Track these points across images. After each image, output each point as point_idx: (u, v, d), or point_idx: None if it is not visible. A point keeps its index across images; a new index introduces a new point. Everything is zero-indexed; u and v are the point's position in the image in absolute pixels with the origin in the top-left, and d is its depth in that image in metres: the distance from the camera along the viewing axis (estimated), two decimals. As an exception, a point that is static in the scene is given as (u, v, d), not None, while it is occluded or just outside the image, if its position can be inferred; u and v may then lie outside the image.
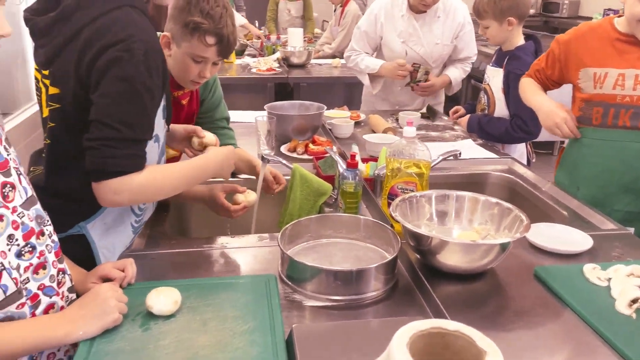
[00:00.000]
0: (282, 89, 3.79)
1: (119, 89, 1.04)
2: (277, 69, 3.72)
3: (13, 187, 0.87)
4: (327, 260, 1.24)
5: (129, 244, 1.30)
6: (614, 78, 1.58)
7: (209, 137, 1.39)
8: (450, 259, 1.16)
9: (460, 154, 1.65)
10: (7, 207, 0.85)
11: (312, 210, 1.61)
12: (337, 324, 0.99)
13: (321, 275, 1.11)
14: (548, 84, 1.81)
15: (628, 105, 1.57)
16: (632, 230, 1.44)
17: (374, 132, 2.22)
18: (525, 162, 2.28)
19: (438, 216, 1.32)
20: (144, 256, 1.26)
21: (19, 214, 0.87)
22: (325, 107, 2.14)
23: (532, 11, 7.99)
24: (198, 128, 1.40)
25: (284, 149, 2.02)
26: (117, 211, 1.21)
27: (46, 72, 1.12)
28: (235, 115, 2.14)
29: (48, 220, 0.96)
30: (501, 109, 2.21)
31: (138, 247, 1.32)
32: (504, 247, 1.14)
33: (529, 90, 1.82)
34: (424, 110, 2.49)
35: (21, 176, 0.92)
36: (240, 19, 4.71)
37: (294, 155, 1.96)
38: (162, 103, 1.18)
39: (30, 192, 0.93)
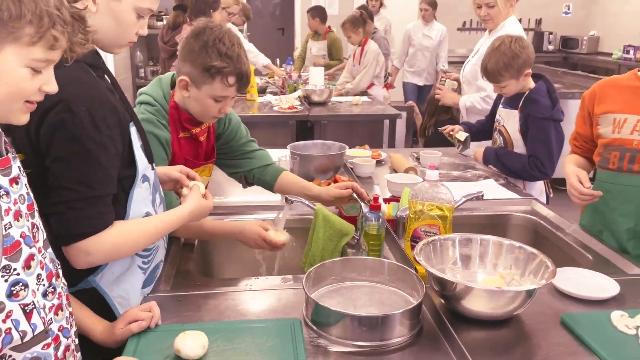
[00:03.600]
0: (303, 126, 3.85)
1: (69, 150, 1.02)
2: (299, 107, 3.79)
3: (38, 228, 0.90)
4: (351, 304, 1.24)
5: (153, 285, 1.31)
6: (632, 124, 1.59)
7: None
8: (475, 304, 1.15)
9: (483, 195, 1.65)
10: (36, 247, 0.87)
11: (334, 251, 1.62)
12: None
13: (346, 321, 1.12)
14: (589, 146, 1.80)
15: None
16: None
17: (395, 171, 2.24)
18: (544, 198, 2.29)
19: (462, 260, 1.32)
20: (171, 298, 1.28)
21: (42, 254, 0.90)
22: (347, 147, 2.17)
23: (550, 47, 8.04)
24: (182, 177, 1.35)
25: (306, 188, 2.04)
26: (123, 259, 1.18)
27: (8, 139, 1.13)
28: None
29: (59, 264, 0.98)
30: (519, 149, 2.23)
31: (164, 289, 1.34)
32: (530, 293, 1.13)
33: (565, 164, 1.82)
34: (460, 137, 2.42)
35: (41, 218, 0.95)
36: (262, 59, 4.83)
37: (316, 194, 1.98)
38: (139, 142, 1.17)
39: (46, 234, 0.95)
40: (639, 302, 1.25)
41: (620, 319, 1.15)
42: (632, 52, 7.02)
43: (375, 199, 1.46)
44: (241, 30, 5.44)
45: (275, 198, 1.94)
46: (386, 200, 1.79)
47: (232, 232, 1.56)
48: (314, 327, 1.16)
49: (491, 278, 1.29)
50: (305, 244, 1.68)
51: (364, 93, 4.50)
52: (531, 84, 2.19)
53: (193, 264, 1.53)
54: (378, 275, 1.32)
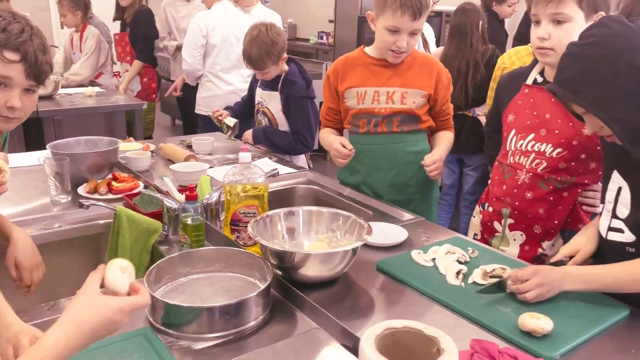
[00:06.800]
0: (33, 124, 3.32)
1: None
2: (21, 102, 3.24)
3: None
4: (197, 298, 1.20)
5: None
6: (371, 95, 1.89)
7: None
8: (313, 270, 1.25)
9: (278, 172, 1.76)
10: None
11: (143, 251, 1.52)
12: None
13: (203, 315, 1.08)
14: (339, 117, 2.00)
15: (383, 116, 1.90)
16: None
17: (171, 161, 2.16)
18: (307, 167, 2.55)
19: (288, 233, 1.41)
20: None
21: None
22: (120, 141, 2.00)
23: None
24: None
25: (82, 191, 1.82)
26: None
27: None
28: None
29: None
30: (283, 127, 2.42)
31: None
32: (355, 251, 1.29)
33: (322, 138, 2.02)
34: (229, 122, 2.44)
35: None
36: None
37: (96, 196, 1.79)
38: None
39: None
40: (422, 240, 1.55)
41: (418, 255, 1.41)
42: (325, 37, 8.11)
43: (192, 189, 1.41)
44: None
45: (46, 213, 1.69)
46: (181, 191, 1.73)
47: None
48: (169, 331, 1.09)
49: (314, 244, 1.40)
50: (104, 251, 1.53)
51: (92, 83, 4.12)
52: (286, 66, 2.39)
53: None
54: (212, 264, 1.30)
